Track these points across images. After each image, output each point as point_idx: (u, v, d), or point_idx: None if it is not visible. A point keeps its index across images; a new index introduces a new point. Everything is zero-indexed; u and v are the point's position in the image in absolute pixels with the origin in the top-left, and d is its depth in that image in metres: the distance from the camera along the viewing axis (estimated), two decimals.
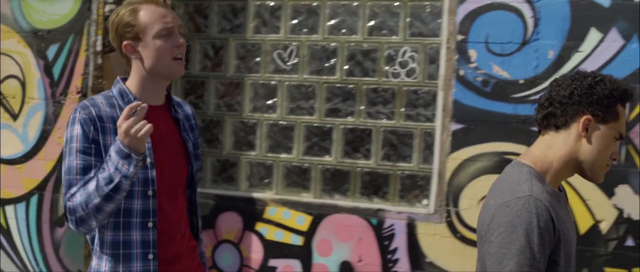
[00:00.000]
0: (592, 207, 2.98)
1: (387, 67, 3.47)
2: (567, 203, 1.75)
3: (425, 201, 3.39)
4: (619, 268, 2.90)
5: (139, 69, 1.97)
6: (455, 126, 3.18)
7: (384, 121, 3.49)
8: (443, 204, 3.21)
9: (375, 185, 3.51)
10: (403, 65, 3.44)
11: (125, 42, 1.96)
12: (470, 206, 3.15)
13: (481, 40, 3.13)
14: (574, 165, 1.63)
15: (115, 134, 1.87)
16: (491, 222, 1.54)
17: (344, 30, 3.58)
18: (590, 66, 2.93)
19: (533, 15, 3.03)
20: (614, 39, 2.92)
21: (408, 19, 3.42)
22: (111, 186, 1.80)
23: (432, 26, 3.40)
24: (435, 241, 3.22)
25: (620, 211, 2.96)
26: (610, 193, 2.95)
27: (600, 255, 2.95)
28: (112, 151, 1.81)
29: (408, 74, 3.43)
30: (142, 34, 1.94)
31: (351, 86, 3.55)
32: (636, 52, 2.87)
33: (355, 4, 3.52)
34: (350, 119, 3.56)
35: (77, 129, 1.90)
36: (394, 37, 3.47)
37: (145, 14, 1.94)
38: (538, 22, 3.02)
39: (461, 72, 3.15)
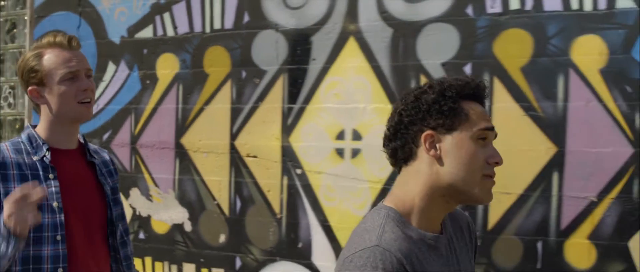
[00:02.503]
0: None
1: None
2: (463, 242, 1.44)
3: None
4: (137, 257, 3.50)
5: (47, 114, 1.93)
6: None
7: None
8: None
9: None
10: None
11: (30, 88, 1.93)
12: None
13: None
14: (443, 194, 1.32)
15: (20, 180, 1.85)
16: None
17: None
18: (109, 93, 3.58)
19: None
20: (123, 70, 3.58)
21: None
22: None
23: None
24: None
25: (134, 209, 3.59)
26: (127, 195, 3.57)
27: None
28: None
29: None
30: (46, 79, 1.90)
31: None
32: (137, 79, 3.54)
33: None
34: None
35: None
36: None
37: (49, 58, 1.90)
38: None
39: None
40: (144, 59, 3.50)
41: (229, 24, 3.28)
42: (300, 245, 3.15)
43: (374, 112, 3.00)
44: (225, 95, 3.30)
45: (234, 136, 3.29)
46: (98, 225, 1.99)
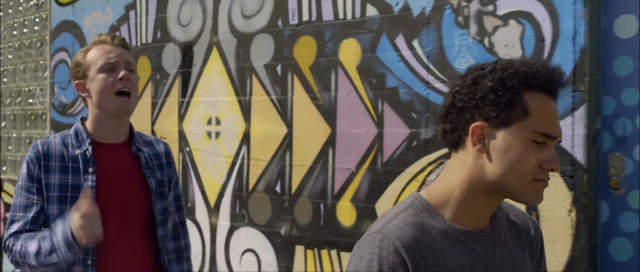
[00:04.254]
0: None
1: None
2: (518, 247, 1.32)
3: None
4: None
5: (92, 107, 2.00)
6: None
7: None
8: None
9: None
10: None
11: (76, 82, 2.02)
12: None
13: None
14: (485, 190, 1.21)
15: (60, 172, 1.93)
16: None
17: None
18: None
19: None
20: None
21: None
22: (47, 258, 1.82)
23: None
24: None
25: None
26: None
27: None
28: (59, 230, 1.81)
29: None
30: (88, 71, 1.98)
31: None
32: None
33: None
34: None
35: (24, 168, 1.95)
36: None
37: (93, 52, 1.99)
38: None
39: None
40: None
41: (150, 39, 4.36)
42: (189, 204, 4.14)
43: (228, 103, 3.89)
44: (148, 93, 4.39)
45: (153, 123, 4.37)
46: (138, 218, 2.02)
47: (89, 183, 1.93)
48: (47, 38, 5.16)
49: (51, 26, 5.12)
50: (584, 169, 2.61)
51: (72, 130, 2.02)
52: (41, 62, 5.26)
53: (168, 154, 2.14)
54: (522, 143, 1.16)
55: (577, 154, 2.62)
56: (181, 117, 4.18)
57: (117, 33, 4.41)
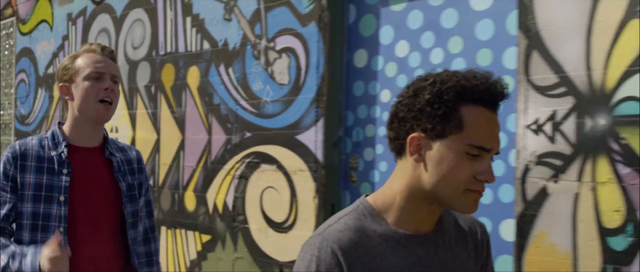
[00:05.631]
0: None
1: None
2: (463, 250, 1.33)
3: None
4: None
5: (72, 111, 2.06)
6: None
7: None
8: None
9: None
10: None
11: (61, 84, 2.07)
12: None
13: None
14: (424, 197, 1.23)
15: (36, 172, 2.00)
16: None
17: None
18: (37, 106, 5.95)
19: None
20: (42, 92, 5.90)
21: None
22: (12, 265, 1.90)
23: None
24: None
25: None
26: None
27: None
28: (29, 261, 1.88)
29: None
30: (74, 76, 2.04)
31: None
32: (47, 98, 5.83)
33: None
34: None
35: (0, 167, 2.02)
36: None
37: (82, 59, 2.06)
38: None
39: None
40: (51, 86, 5.81)
41: None
42: None
43: (123, 115, 4.91)
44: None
45: None
46: (108, 221, 2.08)
47: (62, 184, 2.00)
48: (13, 61, 6.32)
49: (16, 51, 6.28)
50: (323, 166, 3.50)
51: (49, 133, 2.08)
52: (9, 80, 6.42)
53: (140, 160, 2.21)
54: (456, 155, 1.18)
55: (319, 155, 3.52)
56: None
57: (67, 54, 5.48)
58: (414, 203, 1.25)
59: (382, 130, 3.42)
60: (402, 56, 3.34)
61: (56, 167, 2.02)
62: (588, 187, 2.53)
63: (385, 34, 3.41)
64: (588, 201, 2.52)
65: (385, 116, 3.34)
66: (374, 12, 3.47)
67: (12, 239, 2.02)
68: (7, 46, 6.45)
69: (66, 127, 2.09)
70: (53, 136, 2.07)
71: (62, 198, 2.00)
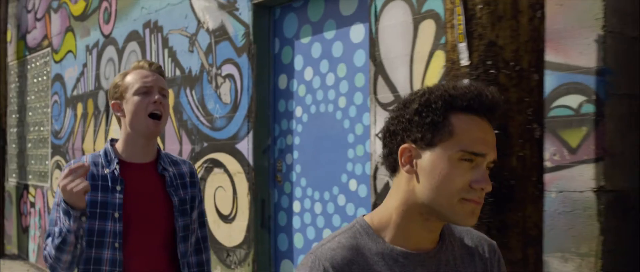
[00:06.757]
0: None
1: None
2: (470, 269, 1.30)
3: None
4: None
5: (125, 127, 2.10)
6: None
7: None
8: None
9: None
10: None
11: (113, 102, 2.12)
12: None
13: None
14: (420, 211, 1.21)
15: (91, 190, 2.00)
16: None
17: None
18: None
19: None
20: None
21: None
22: (59, 239, 1.92)
23: None
24: None
25: None
26: None
27: None
28: (61, 209, 1.92)
29: None
30: (125, 92, 2.09)
31: None
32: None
33: None
34: None
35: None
36: None
37: (131, 76, 2.10)
38: None
39: None
40: (76, 106, 6.91)
41: (93, 86, 6.49)
42: None
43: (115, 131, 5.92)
44: (92, 120, 6.52)
45: (94, 141, 6.49)
46: (160, 234, 2.12)
47: (116, 201, 2.05)
48: (49, 84, 7.50)
49: (51, 76, 7.45)
50: (254, 169, 4.36)
51: (102, 151, 2.13)
52: (47, 101, 7.60)
53: (192, 174, 2.23)
54: (448, 163, 1.16)
55: (250, 160, 4.37)
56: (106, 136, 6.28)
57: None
58: (411, 219, 1.22)
59: (297, 139, 4.25)
60: (309, 79, 4.16)
61: (110, 184, 2.06)
62: None
63: (298, 62, 4.24)
64: None
65: (299, 128, 4.18)
66: (291, 44, 4.30)
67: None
68: (45, 72, 7.64)
69: (119, 144, 2.14)
70: (106, 153, 2.11)
71: (116, 214, 2.05)
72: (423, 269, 1.23)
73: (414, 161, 1.20)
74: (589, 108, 2.61)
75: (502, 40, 2.30)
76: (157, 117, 2.08)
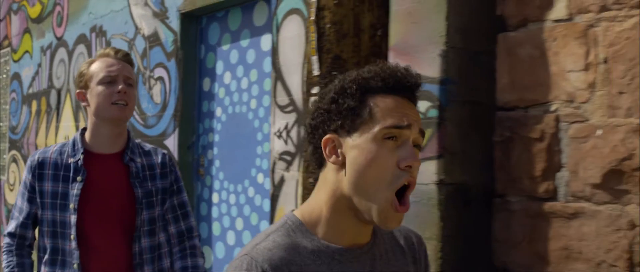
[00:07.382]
0: None
1: None
2: (401, 263, 1.29)
3: None
4: None
5: (90, 116, 2.07)
6: None
7: None
8: None
9: None
10: None
11: (77, 91, 2.09)
12: None
13: None
14: (349, 206, 1.17)
15: (53, 180, 2.01)
16: None
17: None
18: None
19: None
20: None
21: None
22: None
23: None
24: None
25: None
26: None
27: None
28: None
29: None
30: (89, 81, 2.05)
31: None
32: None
33: None
34: None
35: (24, 175, 2.08)
36: None
37: (96, 65, 2.06)
38: None
39: None
40: (31, 103, 7.28)
41: (46, 85, 6.88)
42: None
43: (72, 127, 6.30)
44: (44, 117, 6.91)
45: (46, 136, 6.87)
46: (123, 228, 2.07)
47: (74, 191, 2.00)
48: (8, 82, 7.87)
49: (10, 75, 7.82)
50: (180, 163, 4.77)
51: (71, 140, 2.09)
52: (6, 98, 7.97)
53: (164, 164, 2.15)
54: (373, 144, 1.12)
55: (176, 155, 4.79)
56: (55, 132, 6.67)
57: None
58: (341, 214, 1.18)
59: (217, 137, 4.68)
60: (227, 83, 4.59)
61: (71, 174, 2.04)
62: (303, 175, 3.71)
63: (219, 66, 4.67)
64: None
65: (219, 127, 4.61)
66: (214, 51, 4.73)
67: (31, 249, 2.12)
68: (4, 71, 8.01)
69: (87, 134, 2.10)
70: (73, 143, 2.09)
71: (72, 206, 2.02)
72: (358, 265, 1.21)
73: (338, 150, 1.17)
74: (434, 112, 3.05)
75: (346, 54, 2.76)
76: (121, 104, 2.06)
